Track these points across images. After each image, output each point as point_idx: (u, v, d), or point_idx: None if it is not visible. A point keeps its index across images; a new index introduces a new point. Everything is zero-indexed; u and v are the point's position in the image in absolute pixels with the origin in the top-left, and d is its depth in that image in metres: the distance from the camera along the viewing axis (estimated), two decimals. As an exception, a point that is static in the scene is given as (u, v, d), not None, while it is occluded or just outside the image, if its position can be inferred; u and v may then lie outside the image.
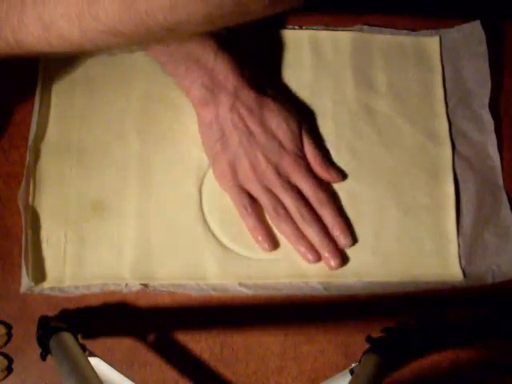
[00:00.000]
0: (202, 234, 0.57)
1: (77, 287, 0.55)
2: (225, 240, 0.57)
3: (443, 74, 0.64)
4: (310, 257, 0.56)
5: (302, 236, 0.56)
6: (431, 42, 0.65)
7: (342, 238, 0.56)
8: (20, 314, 0.55)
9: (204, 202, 0.58)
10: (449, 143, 0.61)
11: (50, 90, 0.61)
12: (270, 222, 0.57)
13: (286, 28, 0.65)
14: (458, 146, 0.61)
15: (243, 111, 0.57)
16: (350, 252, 0.57)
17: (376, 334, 0.50)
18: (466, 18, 0.65)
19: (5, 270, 0.56)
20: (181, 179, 0.59)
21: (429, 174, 0.60)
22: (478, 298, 0.57)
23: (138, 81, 0.62)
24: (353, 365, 0.47)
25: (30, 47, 0.46)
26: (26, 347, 0.54)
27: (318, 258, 0.56)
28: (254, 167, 0.56)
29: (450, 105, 0.63)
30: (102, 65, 0.62)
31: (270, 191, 0.57)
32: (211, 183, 0.59)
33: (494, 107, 0.62)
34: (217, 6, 0.39)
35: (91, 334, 0.54)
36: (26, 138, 0.59)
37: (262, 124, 0.57)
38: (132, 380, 0.45)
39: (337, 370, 0.48)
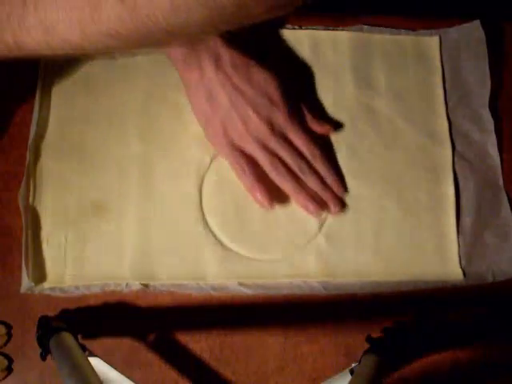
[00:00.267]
0: (202, 234, 0.57)
1: (77, 287, 0.55)
2: (225, 240, 0.57)
3: (443, 74, 0.64)
4: (311, 207, 0.57)
5: (301, 187, 0.57)
6: (431, 42, 0.65)
7: (334, 187, 0.58)
8: (20, 314, 0.55)
9: (204, 201, 0.58)
10: (449, 143, 0.61)
11: (50, 90, 0.61)
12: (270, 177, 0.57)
13: (285, 28, 0.65)
14: (457, 146, 0.61)
15: (229, 69, 0.56)
16: (349, 251, 0.57)
17: (376, 334, 0.50)
18: (466, 17, 0.65)
19: (5, 270, 0.56)
20: (181, 179, 0.59)
21: (429, 174, 0.60)
22: (477, 298, 0.57)
23: (139, 81, 0.62)
24: (353, 365, 0.47)
25: (31, 50, 0.46)
26: (26, 347, 0.54)
27: (319, 208, 0.57)
28: (246, 124, 0.56)
29: (449, 104, 0.63)
30: (102, 65, 0.62)
31: (265, 147, 0.57)
32: (211, 183, 0.59)
33: (494, 107, 0.62)
34: (218, 9, 0.39)
35: (91, 334, 0.54)
36: (26, 138, 0.59)
37: (250, 80, 0.57)
38: (132, 380, 0.45)
39: (337, 370, 0.48)
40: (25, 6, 0.44)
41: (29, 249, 0.55)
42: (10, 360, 0.53)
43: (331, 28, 0.65)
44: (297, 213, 0.58)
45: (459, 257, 0.57)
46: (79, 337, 0.51)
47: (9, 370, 0.53)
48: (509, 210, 0.59)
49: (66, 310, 0.55)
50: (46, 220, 0.57)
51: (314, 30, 0.65)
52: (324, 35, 0.65)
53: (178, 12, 0.39)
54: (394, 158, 0.60)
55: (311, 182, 0.57)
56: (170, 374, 0.54)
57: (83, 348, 0.47)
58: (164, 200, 0.58)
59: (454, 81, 0.64)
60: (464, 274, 0.57)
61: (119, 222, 0.57)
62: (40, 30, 0.44)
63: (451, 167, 0.60)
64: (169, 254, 0.56)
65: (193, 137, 0.60)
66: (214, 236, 0.57)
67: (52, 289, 0.55)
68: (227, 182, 0.59)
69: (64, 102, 0.61)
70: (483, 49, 0.63)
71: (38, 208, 0.57)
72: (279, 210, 0.58)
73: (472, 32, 0.64)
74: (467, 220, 0.59)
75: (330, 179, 0.58)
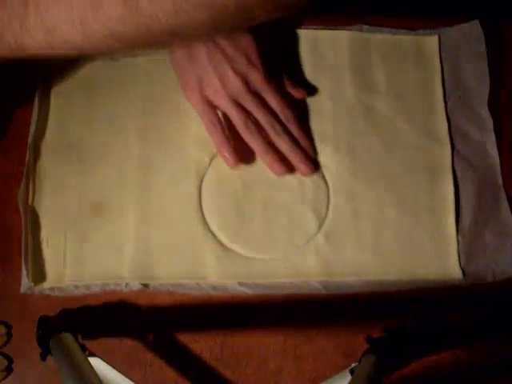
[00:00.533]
0: (201, 234, 0.57)
1: (77, 287, 0.55)
2: (224, 239, 0.57)
3: (442, 74, 0.64)
4: (276, 167, 0.57)
5: (270, 148, 0.57)
6: (430, 42, 0.65)
7: (308, 150, 0.59)
8: (20, 314, 0.55)
9: (204, 201, 0.58)
10: (448, 142, 0.61)
11: (49, 90, 0.61)
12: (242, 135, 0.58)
13: (284, 27, 0.64)
14: (457, 145, 0.61)
15: None
16: (349, 251, 0.57)
17: (376, 334, 0.50)
18: (465, 17, 0.65)
19: (5, 270, 0.56)
20: (181, 179, 0.59)
21: (428, 174, 0.60)
22: (477, 298, 0.57)
23: (139, 81, 0.62)
24: (353, 365, 0.47)
25: (33, 51, 0.46)
26: (26, 347, 0.54)
27: (285, 169, 0.58)
28: (222, 80, 0.57)
29: (449, 104, 0.63)
30: (101, 65, 0.62)
31: (239, 106, 0.57)
32: (211, 183, 0.59)
33: (494, 106, 0.62)
34: (221, 10, 0.39)
35: (91, 334, 0.54)
36: (26, 138, 0.59)
37: (231, 39, 0.57)
38: (132, 380, 0.45)
39: (337, 370, 0.48)
40: (26, 7, 0.44)
41: (28, 249, 0.55)
42: (10, 360, 0.54)
43: (330, 27, 0.65)
44: (296, 213, 0.58)
45: (459, 256, 0.57)
46: (79, 337, 0.51)
47: (9, 370, 0.53)
48: (508, 209, 0.59)
49: (65, 310, 0.55)
50: (46, 220, 0.57)
51: (313, 30, 0.65)
52: (323, 35, 0.64)
53: (180, 13, 0.40)
54: (394, 158, 0.60)
55: (283, 143, 0.58)
56: (170, 373, 0.54)
57: (83, 348, 0.47)
58: (164, 200, 0.58)
59: (453, 80, 0.64)
60: (463, 273, 0.57)
61: (119, 221, 0.57)
62: (41, 31, 0.44)
63: (450, 167, 0.60)
64: (168, 253, 0.56)
65: (192, 137, 0.60)
66: (214, 236, 0.57)
67: (52, 289, 0.55)
68: (227, 181, 0.59)
69: (63, 102, 0.61)
70: (482, 48, 0.63)
71: (37, 208, 0.57)
72: (279, 209, 0.58)
73: (471, 31, 0.64)
74: (467, 219, 0.59)
75: (303, 141, 0.59)
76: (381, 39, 0.64)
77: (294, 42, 0.64)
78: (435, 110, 0.62)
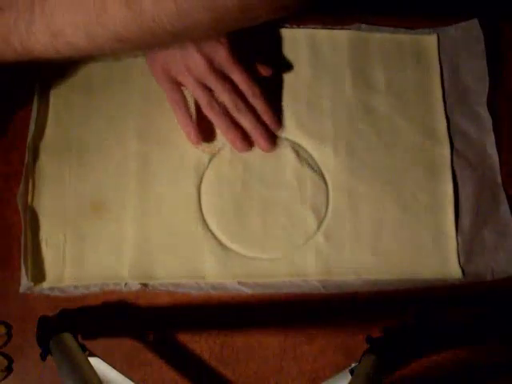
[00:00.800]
0: (201, 234, 0.57)
1: (76, 287, 0.55)
2: (224, 239, 0.57)
3: (441, 73, 0.64)
4: (238, 143, 0.58)
5: (232, 125, 0.58)
6: (429, 41, 0.65)
7: (271, 123, 0.59)
8: (20, 314, 0.55)
9: (203, 201, 0.58)
10: (447, 141, 0.61)
11: (48, 90, 0.61)
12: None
13: (283, 27, 0.64)
14: (456, 144, 0.61)
15: None
16: (348, 250, 0.57)
17: (376, 334, 0.50)
18: (464, 16, 0.65)
19: (5, 270, 0.56)
20: (180, 179, 0.59)
21: (427, 173, 0.60)
22: (477, 297, 0.57)
23: (138, 81, 0.61)
24: (353, 365, 0.47)
25: (38, 54, 0.47)
26: (26, 347, 0.54)
27: (246, 145, 0.58)
28: (186, 60, 0.57)
29: (448, 103, 0.63)
30: (101, 65, 0.62)
31: (203, 85, 0.57)
32: (210, 182, 0.59)
33: (493, 105, 0.62)
34: (223, 12, 0.40)
35: (91, 334, 0.54)
36: (26, 138, 0.59)
37: None
38: (132, 380, 0.45)
39: (337, 370, 0.48)
40: (32, 10, 0.45)
41: (28, 249, 0.55)
42: (10, 360, 0.54)
43: (329, 27, 0.65)
44: (296, 212, 0.58)
45: (458, 255, 0.57)
46: (79, 337, 0.51)
47: (9, 370, 0.53)
48: (507, 208, 0.59)
49: (65, 310, 0.55)
50: (45, 220, 0.57)
51: (312, 29, 0.65)
52: (322, 34, 0.64)
53: (183, 15, 0.40)
54: (393, 157, 0.60)
55: (245, 120, 0.58)
56: (170, 374, 0.54)
57: (83, 348, 0.47)
58: (163, 199, 0.58)
59: (452, 79, 0.64)
60: (463, 272, 0.57)
61: (118, 221, 0.57)
62: (47, 35, 0.45)
63: (450, 166, 0.60)
64: (168, 253, 0.56)
65: (192, 136, 0.60)
66: (213, 235, 0.57)
67: (51, 289, 0.55)
68: (226, 181, 0.59)
69: (63, 102, 0.61)
70: (481, 47, 0.63)
71: (36, 208, 0.57)
72: (278, 209, 0.58)
73: (470, 31, 0.64)
74: (466, 218, 0.59)
75: (266, 115, 0.59)
76: (380, 38, 0.64)
77: (293, 41, 0.64)
78: (434, 109, 0.62)
